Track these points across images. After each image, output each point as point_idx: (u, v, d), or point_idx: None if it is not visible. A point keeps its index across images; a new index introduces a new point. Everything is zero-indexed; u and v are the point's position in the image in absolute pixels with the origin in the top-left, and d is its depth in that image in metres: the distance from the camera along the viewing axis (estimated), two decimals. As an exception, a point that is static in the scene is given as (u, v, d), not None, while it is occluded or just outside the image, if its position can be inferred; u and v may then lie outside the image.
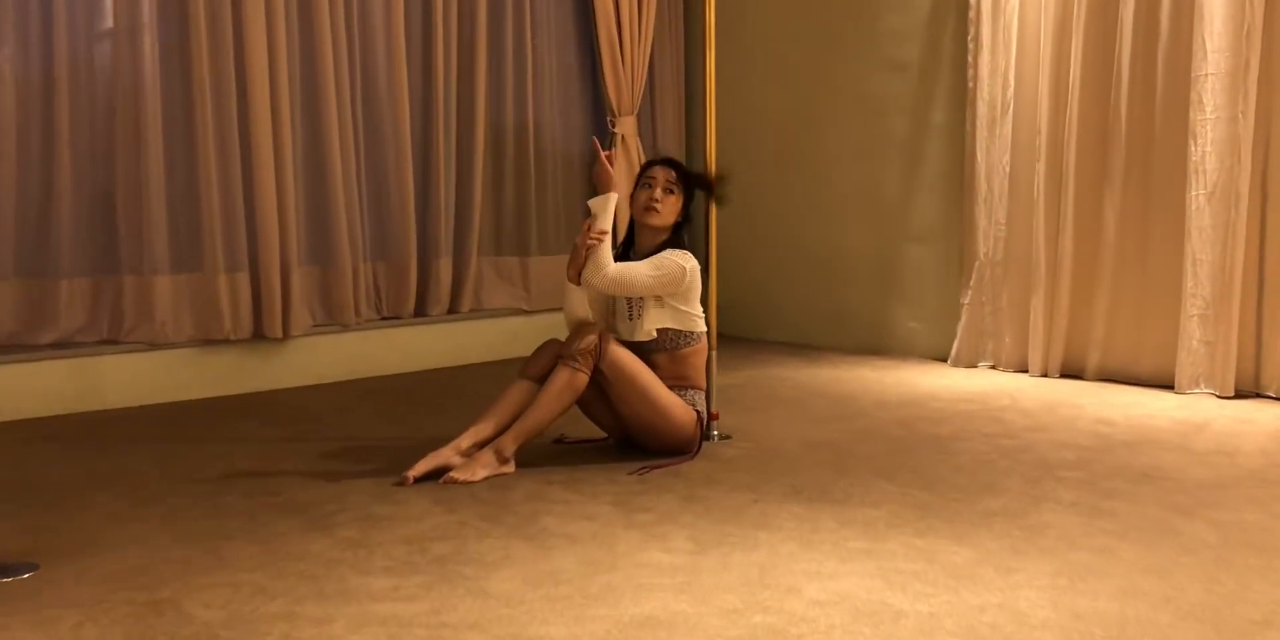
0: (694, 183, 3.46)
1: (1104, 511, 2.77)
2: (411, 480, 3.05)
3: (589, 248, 3.25)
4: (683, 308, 3.35)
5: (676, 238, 3.43)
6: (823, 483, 3.06)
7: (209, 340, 4.50)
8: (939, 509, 2.80)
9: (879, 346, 5.45)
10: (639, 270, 3.29)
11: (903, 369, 4.97)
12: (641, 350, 3.32)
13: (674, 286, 3.30)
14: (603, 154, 3.39)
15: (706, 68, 3.65)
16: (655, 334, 3.33)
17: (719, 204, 3.58)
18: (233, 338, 4.53)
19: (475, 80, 5.28)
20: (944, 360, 5.11)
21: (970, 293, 4.98)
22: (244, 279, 4.56)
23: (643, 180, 3.43)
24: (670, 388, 3.32)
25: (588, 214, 3.35)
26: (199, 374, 4.48)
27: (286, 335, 4.65)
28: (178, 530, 2.71)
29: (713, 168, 3.61)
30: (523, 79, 5.49)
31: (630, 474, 3.17)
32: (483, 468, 3.11)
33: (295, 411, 4.21)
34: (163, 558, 2.50)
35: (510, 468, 3.16)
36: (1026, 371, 4.78)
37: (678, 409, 3.30)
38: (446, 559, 2.46)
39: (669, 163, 3.47)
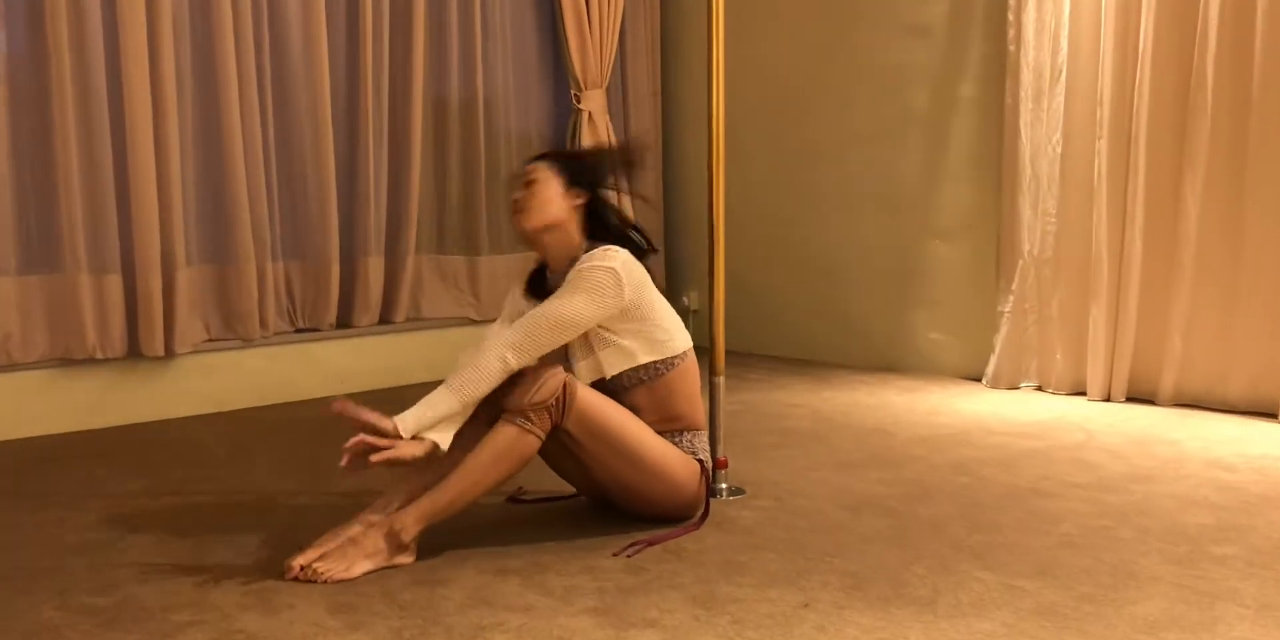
0: (576, 161, 2.53)
1: (1314, 620, 1.90)
2: (299, 571, 2.13)
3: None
4: (642, 328, 2.39)
5: (594, 235, 2.47)
6: (889, 568, 2.17)
7: (68, 360, 3.58)
8: (1072, 616, 1.92)
9: (896, 362, 4.60)
10: (549, 313, 2.30)
11: (932, 391, 4.10)
12: (607, 390, 2.38)
13: (609, 302, 2.32)
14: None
15: (714, 34, 2.81)
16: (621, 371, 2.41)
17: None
18: (100, 356, 3.62)
19: (412, 43, 4.35)
20: (976, 379, 4.27)
21: (1011, 299, 4.13)
22: (115, 282, 3.63)
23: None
24: (660, 432, 2.40)
25: None
26: (54, 404, 3.54)
27: (170, 353, 3.73)
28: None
29: (719, 149, 2.76)
30: (470, 43, 4.57)
31: (617, 554, 2.26)
32: (366, 558, 2.16)
33: (174, 453, 3.28)
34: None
35: (408, 558, 2.21)
36: (1083, 394, 3.94)
37: (675, 464, 2.39)
38: (336, 727, 1.55)
39: (540, 156, 2.54)
